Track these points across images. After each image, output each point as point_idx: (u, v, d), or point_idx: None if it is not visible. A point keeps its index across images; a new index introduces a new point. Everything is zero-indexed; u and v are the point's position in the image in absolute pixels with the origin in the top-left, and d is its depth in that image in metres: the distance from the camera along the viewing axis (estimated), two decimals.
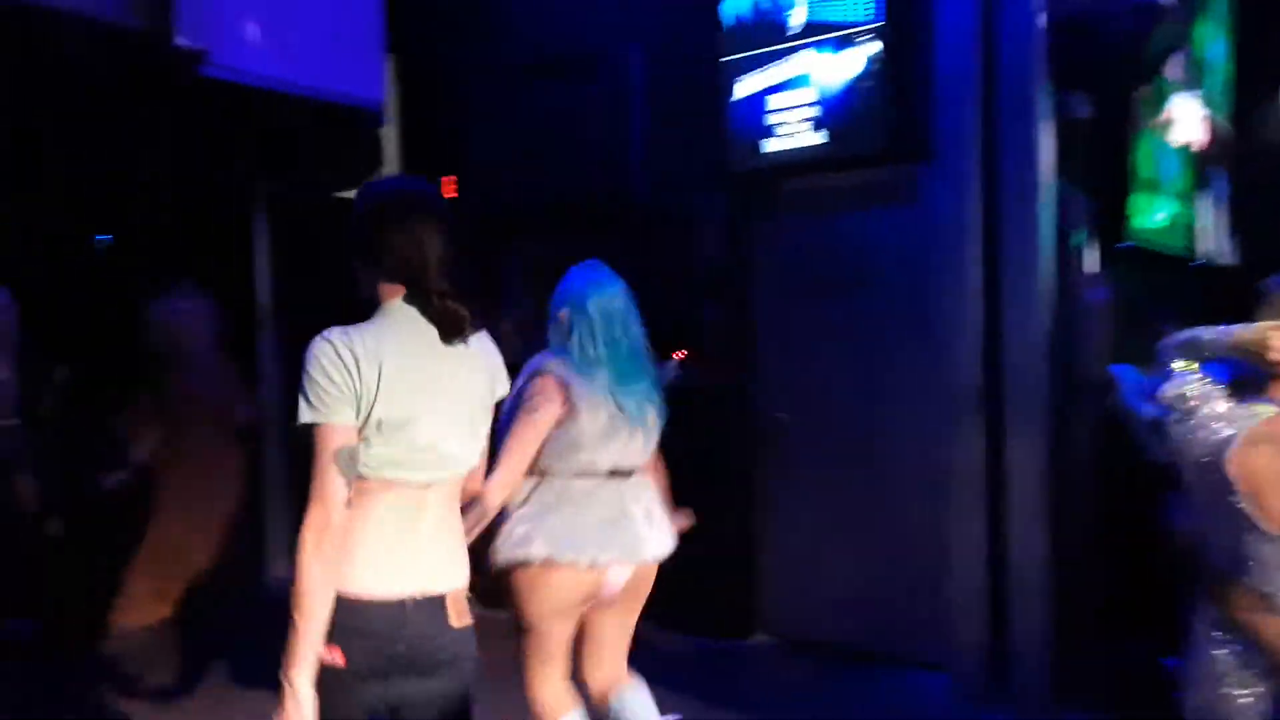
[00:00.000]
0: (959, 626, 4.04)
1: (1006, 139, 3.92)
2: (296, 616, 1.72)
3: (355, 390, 1.78)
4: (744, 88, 4.60)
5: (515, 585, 2.73)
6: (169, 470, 5.13)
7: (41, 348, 4.75)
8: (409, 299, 1.89)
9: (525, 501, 2.73)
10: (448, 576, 1.92)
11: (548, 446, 2.69)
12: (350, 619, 1.78)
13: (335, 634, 1.77)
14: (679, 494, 4.98)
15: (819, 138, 4.41)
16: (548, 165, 5.91)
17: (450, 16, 6.49)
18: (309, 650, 1.73)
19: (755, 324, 4.87)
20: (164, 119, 5.38)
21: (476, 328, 1.97)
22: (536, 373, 2.72)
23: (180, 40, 4.57)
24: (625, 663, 2.98)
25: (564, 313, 2.83)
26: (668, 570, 5.05)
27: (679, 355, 5.25)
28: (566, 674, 2.86)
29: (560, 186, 5.80)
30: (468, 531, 2.16)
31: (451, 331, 1.90)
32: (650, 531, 2.83)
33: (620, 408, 2.73)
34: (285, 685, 1.72)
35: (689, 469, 4.99)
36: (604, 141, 5.55)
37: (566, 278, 2.96)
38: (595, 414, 2.69)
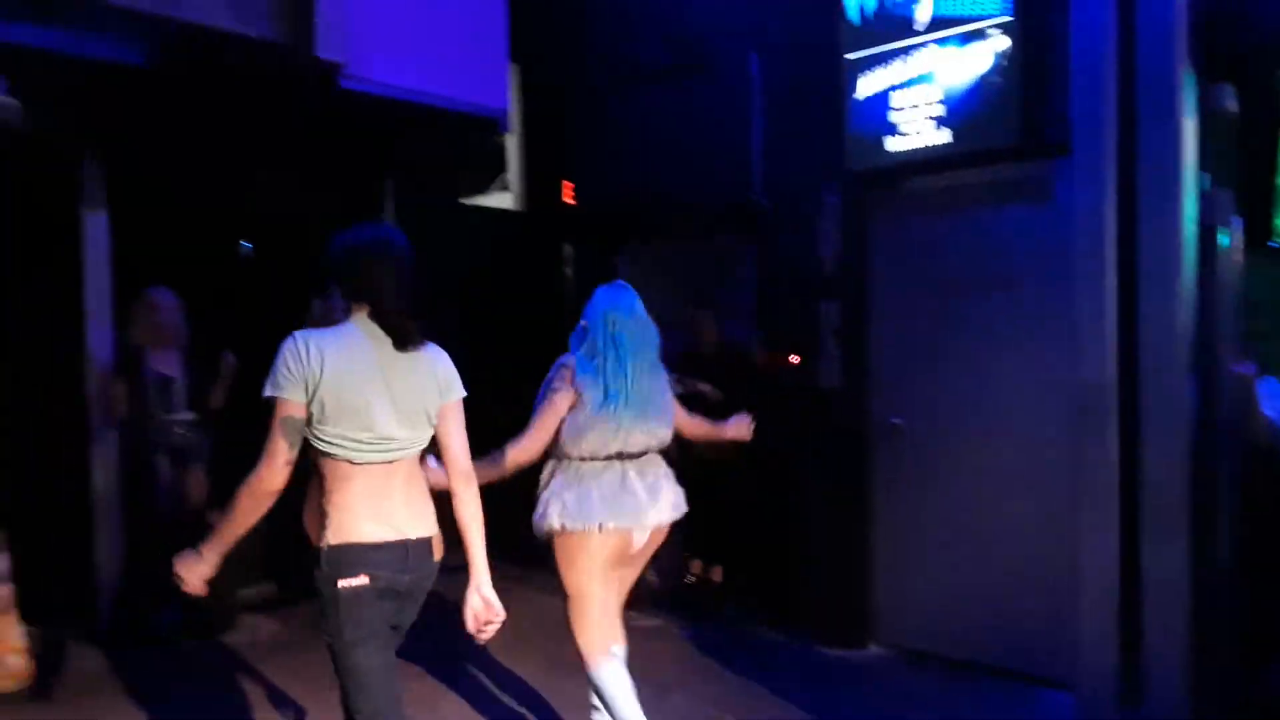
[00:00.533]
0: (1087, 643, 3.86)
1: (1145, 133, 3.76)
2: (224, 524, 2.49)
3: (304, 377, 2.39)
4: (866, 85, 4.56)
5: (555, 554, 3.36)
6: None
7: (206, 345, 5.06)
8: (371, 315, 2.50)
9: (546, 485, 3.37)
10: (424, 525, 2.58)
11: (562, 434, 3.28)
12: (369, 555, 2.44)
13: (360, 567, 2.43)
14: (789, 499, 4.98)
15: (944, 135, 4.33)
16: (666, 169, 5.98)
17: (570, 25, 6.64)
18: (221, 545, 2.53)
19: (873, 325, 4.80)
20: (301, 128, 5.66)
21: (423, 340, 2.57)
22: (560, 366, 3.31)
23: (320, 54, 4.80)
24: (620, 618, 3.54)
25: (584, 323, 3.40)
26: (780, 576, 5.08)
27: (793, 359, 5.22)
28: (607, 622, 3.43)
29: (679, 189, 5.86)
30: (483, 480, 2.77)
31: (402, 341, 2.51)
32: (652, 502, 3.35)
33: (625, 403, 3.25)
34: (203, 554, 2.55)
35: (801, 473, 5.00)
36: (722, 143, 5.58)
37: (593, 295, 3.47)
38: (597, 405, 3.23)
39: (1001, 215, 4.44)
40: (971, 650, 4.46)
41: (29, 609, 4.20)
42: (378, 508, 2.48)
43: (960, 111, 4.29)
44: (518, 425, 3.34)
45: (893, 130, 4.49)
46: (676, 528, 3.52)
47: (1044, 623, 4.18)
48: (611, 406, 3.24)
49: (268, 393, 2.42)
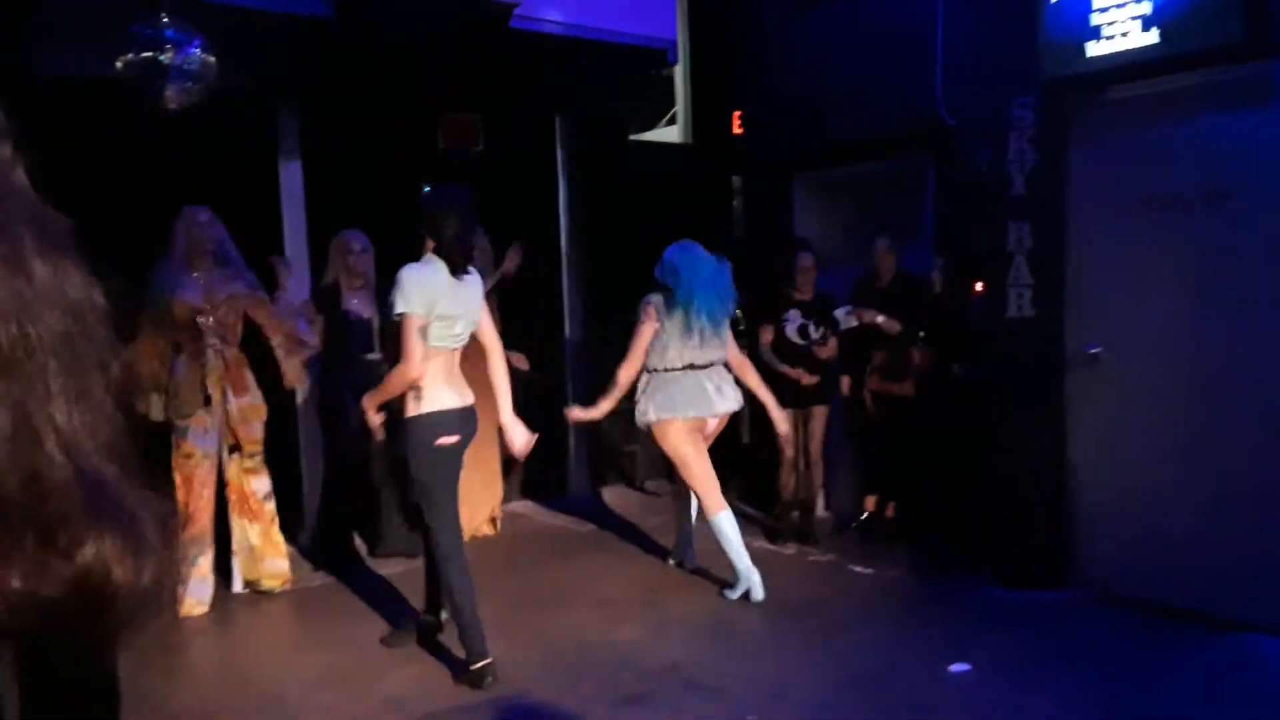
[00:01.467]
0: None
1: None
2: (383, 390, 3.61)
3: (423, 297, 3.46)
4: None
5: (656, 439, 4.68)
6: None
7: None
8: (435, 251, 3.58)
9: (643, 390, 4.64)
10: (469, 395, 3.71)
11: (650, 353, 4.55)
12: (450, 418, 3.59)
13: (448, 427, 3.58)
14: (977, 435, 4.75)
15: (1152, 36, 3.93)
16: (840, 91, 5.74)
17: None
18: (378, 402, 3.66)
19: (1070, 247, 4.45)
20: (479, 71, 5.76)
21: (469, 269, 3.65)
22: (646, 303, 4.54)
23: None
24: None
25: (659, 269, 4.54)
26: (964, 514, 4.87)
27: (979, 287, 4.95)
28: (713, 480, 4.64)
29: (853, 112, 5.62)
30: (610, 402, 4.67)
31: (454, 270, 3.58)
32: (719, 398, 4.61)
33: (690, 326, 4.45)
34: (368, 410, 3.70)
35: (990, 408, 4.74)
36: (901, 58, 5.29)
37: (667, 250, 4.58)
38: (674, 329, 4.49)
39: (1218, 122, 4.00)
40: (1175, 594, 4.14)
41: None
42: (451, 382, 3.62)
43: (1171, 9, 3.88)
44: None
45: (1095, 33, 4.11)
46: (852, 464, 4.65)
47: (1261, 568, 3.84)
48: (687, 331, 4.46)
49: (400, 309, 3.44)
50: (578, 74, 6.20)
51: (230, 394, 4.45)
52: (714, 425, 4.69)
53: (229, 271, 4.47)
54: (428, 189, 5.75)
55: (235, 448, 4.53)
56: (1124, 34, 4.03)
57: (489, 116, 6.20)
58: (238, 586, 4.67)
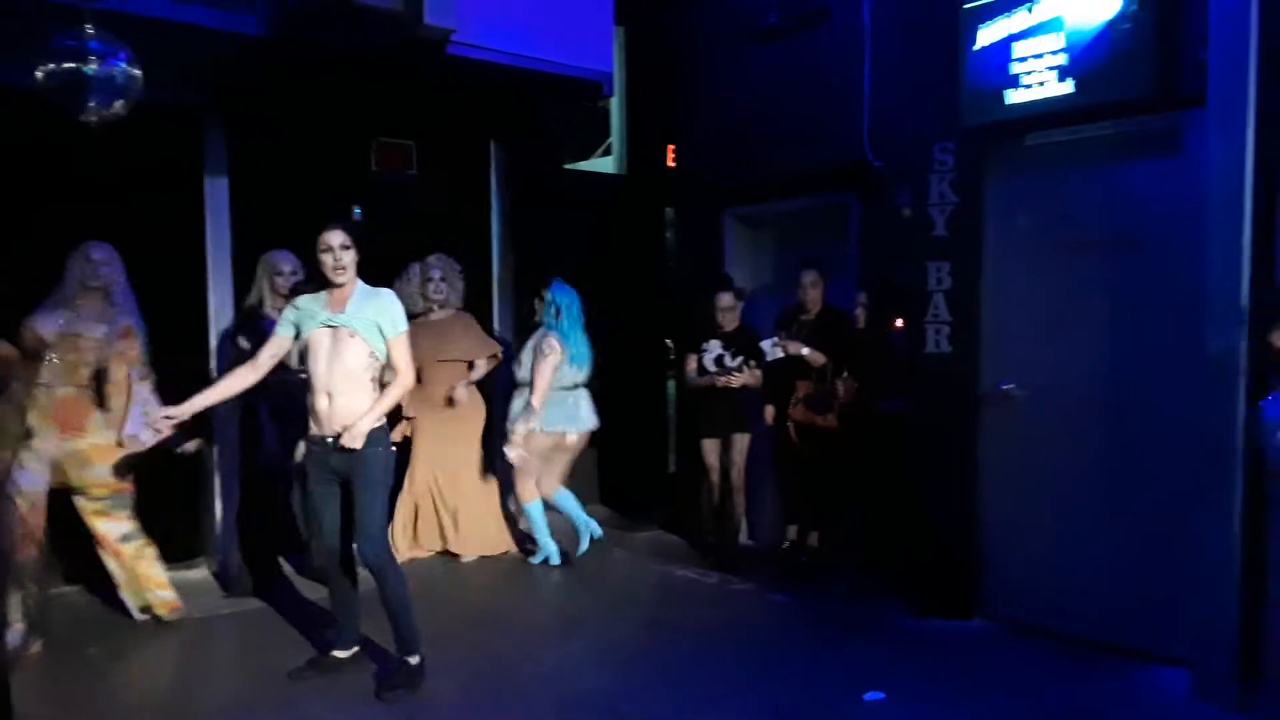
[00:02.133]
0: (1206, 622, 3.69)
1: None
2: (383, 405, 3.73)
3: None
4: (986, 35, 4.35)
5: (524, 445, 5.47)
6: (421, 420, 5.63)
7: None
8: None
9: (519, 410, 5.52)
10: None
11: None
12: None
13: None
14: (892, 467, 4.87)
15: (1068, 86, 4.11)
16: (772, 128, 5.88)
17: None
18: (377, 411, 3.72)
19: (986, 288, 4.60)
20: (414, 95, 5.75)
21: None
22: (546, 336, 5.48)
23: (430, 20, 4.85)
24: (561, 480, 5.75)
25: (552, 307, 5.55)
26: (880, 544, 4.97)
27: (899, 323, 5.08)
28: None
29: (784, 149, 5.75)
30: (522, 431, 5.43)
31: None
32: (585, 416, 5.60)
33: (572, 357, 5.50)
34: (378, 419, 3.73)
35: (906, 440, 4.87)
36: (831, 100, 5.44)
37: (552, 288, 5.58)
38: (569, 358, 5.49)
39: (1128, 172, 4.19)
40: (1080, 624, 4.28)
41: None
42: None
43: (1086, 61, 4.06)
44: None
45: (1013, 82, 4.28)
46: (776, 493, 4.92)
47: (1161, 599, 3.99)
48: (573, 359, 5.49)
49: (403, 327, 3.78)
50: (513, 102, 6.23)
51: (58, 434, 4.15)
52: (577, 440, 5.62)
53: (108, 313, 4.24)
54: (358, 211, 5.72)
55: (76, 490, 4.26)
56: (1041, 83, 4.20)
57: (423, 140, 6.19)
58: (136, 615, 4.48)
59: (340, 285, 3.73)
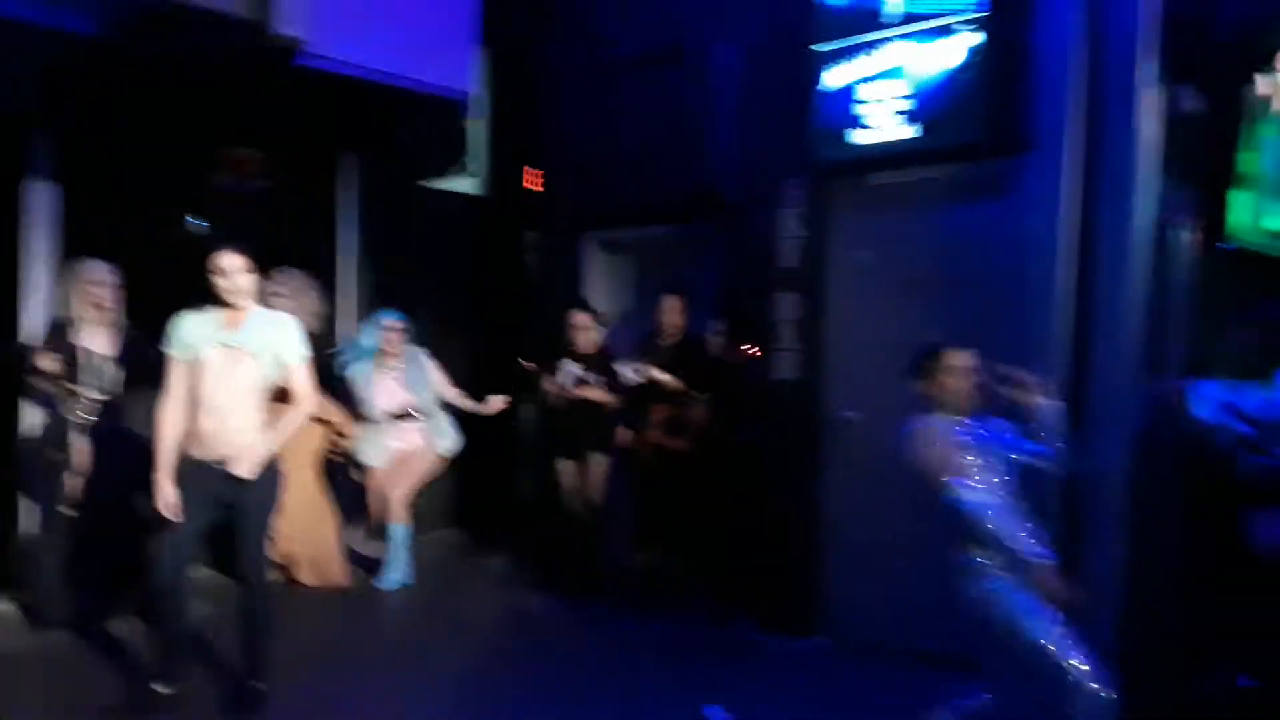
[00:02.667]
0: None
1: (1109, 132, 3.78)
2: (287, 427, 3.75)
3: None
4: (834, 78, 4.52)
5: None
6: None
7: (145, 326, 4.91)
8: None
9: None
10: None
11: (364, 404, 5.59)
12: None
13: None
14: (740, 489, 4.99)
15: (910, 130, 4.30)
16: (633, 156, 5.92)
17: (542, 11, 6.56)
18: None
19: (830, 319, 4.76)
20: (261, 104, 5.53)
21: None
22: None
23: (279, 29, 4.69)
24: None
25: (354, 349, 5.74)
26: (727, 565, 5.06)
27: (753, 350, 5.19)
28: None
29: (646, 177, 5.80)
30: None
31: None
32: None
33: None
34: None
35: (753, 463, 4.98)
36: (691, 132, 5.52)
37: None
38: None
39: (965, 212, 4.42)
40: (912, 639, 4.44)
41: None
42: None
43: (927, 106, 4.26)
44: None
45: (858, 123, 4.45)
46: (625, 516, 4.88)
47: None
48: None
49: (306, 355, 3.74)
50: (368, 117, 6.08)
51: None
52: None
53: None
54: (202, 223, 5.45)
55: None
56: (884, 126, 4.38)
57: (271, 152, 5.97)
58: None
59: (238, 308, 3.64)
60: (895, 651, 4.47)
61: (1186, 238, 3.85)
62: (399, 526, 5.53)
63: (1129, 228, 3.75)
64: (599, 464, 5.56)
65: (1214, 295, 3.92)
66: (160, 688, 3.69)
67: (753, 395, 5.03)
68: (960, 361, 3.27)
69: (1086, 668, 2.86)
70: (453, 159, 6.68)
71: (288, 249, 5.68)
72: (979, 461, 3.17)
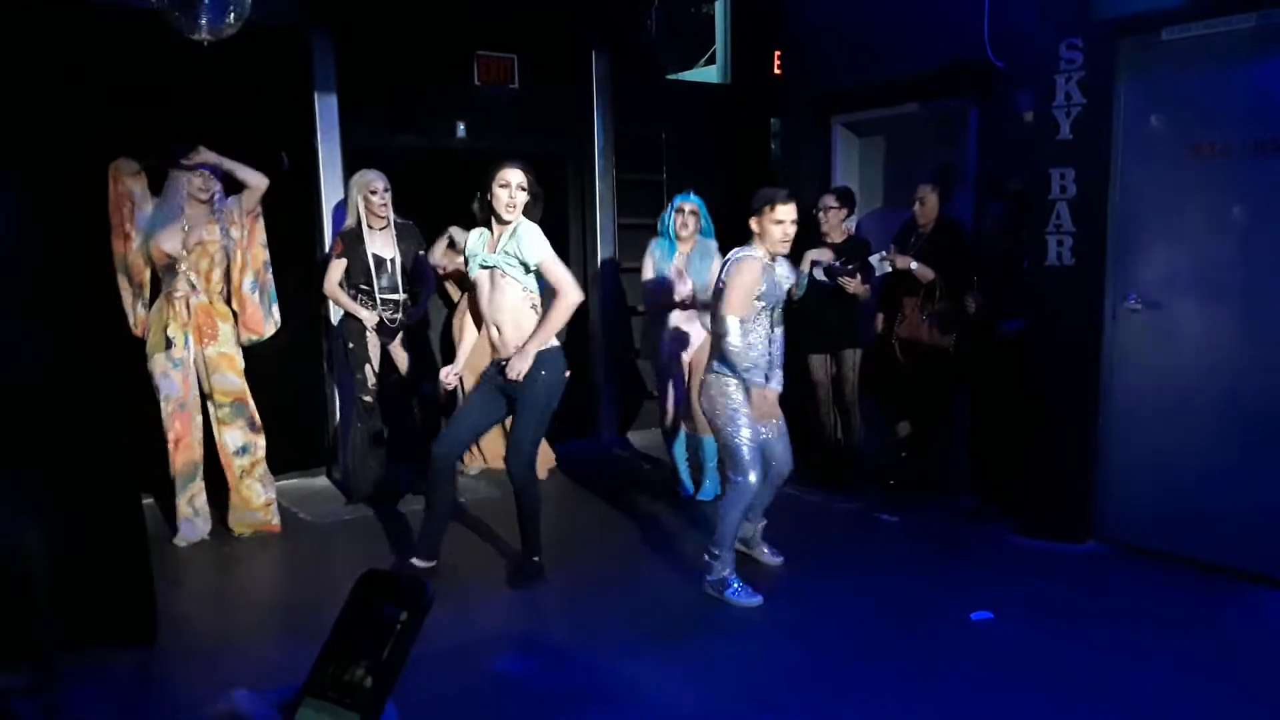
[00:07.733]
0: None
1: None
2: (550, 325, 3.82)
3: None
4: None
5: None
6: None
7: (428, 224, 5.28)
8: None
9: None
10: None
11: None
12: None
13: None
14: (1012, 385, 4.69)
15: None
16: (882, 30, 5.60)
17: None
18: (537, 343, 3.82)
19: (1113, 195, 4.32)
20: (515, 6, 5.68)
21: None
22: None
23: None
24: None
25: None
26: (997, 464, 4.82)
27: (1021, 236, 4.82)
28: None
29: (897, 51, 5.48)
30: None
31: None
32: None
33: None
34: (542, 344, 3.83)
35: (1026, 357, 4.66)
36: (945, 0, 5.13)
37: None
38: None
39: (1273, 68, 3.84)
40: (1199, 548, 4.11)
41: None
42: None
43: None
44: None
45: None
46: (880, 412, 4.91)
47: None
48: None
49: (553, 252, 3.81)
50: (615, 12, 6.09)
51: (192, 341, 4.43)
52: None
53: (212, 215, 4.46)
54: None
55: (208, 395, 4.54)
56: None
57: (524, 54, 6.13)
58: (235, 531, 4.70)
59: (505, 223, 3.83)
60: (1172, 558, 4.16)
61: None
62: (709, 439, 5.02)
63: None
64: (854, 357, 5.43)
65: None
66: (418, 561, 3.98)
67: (1022, 284, 4.70)
68: (786, 215, 3.80)
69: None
70: (698, 49, 6.60)
71: (544, 149, 5.87)
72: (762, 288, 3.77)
